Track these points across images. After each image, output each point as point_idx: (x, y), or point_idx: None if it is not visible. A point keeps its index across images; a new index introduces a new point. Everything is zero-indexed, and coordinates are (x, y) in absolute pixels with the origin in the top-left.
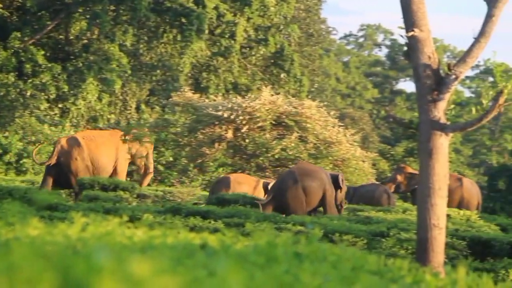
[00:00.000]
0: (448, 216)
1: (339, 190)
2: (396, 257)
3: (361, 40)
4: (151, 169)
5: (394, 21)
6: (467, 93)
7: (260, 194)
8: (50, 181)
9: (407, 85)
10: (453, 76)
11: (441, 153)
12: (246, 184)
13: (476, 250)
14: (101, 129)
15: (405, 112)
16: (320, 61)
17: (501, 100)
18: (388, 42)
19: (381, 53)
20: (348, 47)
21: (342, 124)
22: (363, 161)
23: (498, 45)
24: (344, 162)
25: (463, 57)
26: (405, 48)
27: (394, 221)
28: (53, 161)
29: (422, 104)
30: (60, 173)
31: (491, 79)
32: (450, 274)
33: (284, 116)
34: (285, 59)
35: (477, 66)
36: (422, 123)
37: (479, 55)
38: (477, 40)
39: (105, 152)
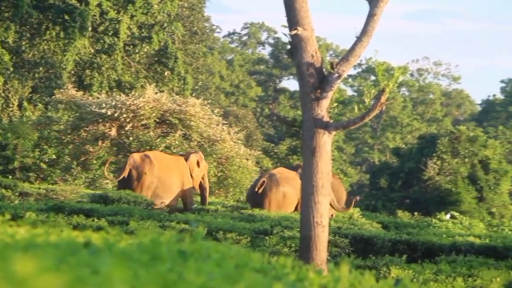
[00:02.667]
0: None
1: None
2: (280, 254)
3: (244, 38)
4: (207, 187)
5: (277, 20)
6: (349, 92)
7: None
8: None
9: (291, 83)
10: (336, 75)
11: (324, 151)
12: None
13: (359, 248)
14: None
15: (289, 110)
16: (204, 59)
17: (383, 99)
18: (271, 41)
19: (265, 52)
20: (232, 45)
21: (226, 122)
22: (247, 159)
23: (380, 44)
24: (228, 160)
25: (346, 55)
26: (289, 47)
27: (278, 219)
28: (126, 174)
29: (306, 102)
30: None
31: (373, 77)
32: (333, 271)
33: (168, 114)
34: (169, 57)
35: (360, 64)
36: (306, 121)
37: (362, 53)
38: (359, 39)
39: (173, 175)
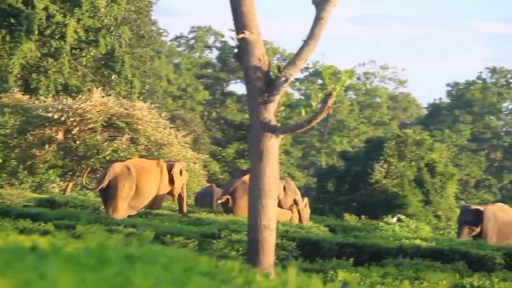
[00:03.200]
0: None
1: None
2: (227, 258)
3: (192, 42)
4: (185, 196)
5: (225, 24)
6: (297, 95)
7: None
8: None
9: (238, 87)
10: (283, 78)
11: (272, 155)
12: None
13: (306, 251)
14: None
15: (236, 114)
16: (151, 63)
17: (330, 102)
18: (218, 44)
19: (212, 55)
20: (179, 49)
21: (173, 126)
22: (194, 163)
23: (327, 47)
24: None
25: (293, 59)
26: (236, 50)
27: (225, 223)
28: (105, 184)
29: (253, 106)
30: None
31: (320, 81)
32: (280, 275)
33: (115, 118)
34: (116, 60)
35: (307, 68)
36: (253, 125)
37: (309, 57)
38: (306, 42)
39: (151, 183)
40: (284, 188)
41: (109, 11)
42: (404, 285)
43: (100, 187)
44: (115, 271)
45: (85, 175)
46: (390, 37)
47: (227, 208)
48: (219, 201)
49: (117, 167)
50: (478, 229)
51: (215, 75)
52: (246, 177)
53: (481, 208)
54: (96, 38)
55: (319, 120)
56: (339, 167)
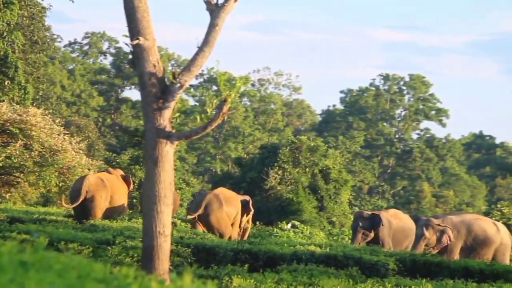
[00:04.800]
0: (174, 224)
1: (245, 214)
2: (122, 264)
3: (86, 48)
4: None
5: (119, 29)
6: (191, 102)
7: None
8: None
9: (133, 93)
10: (178, 85)
11: (167, 161)
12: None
13: (201, 257)
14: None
15: (131, 120)
16: (45, 69)
17: (225, 109)
18: (113, 50)
19: (106, 61)
20: (73, 55)
21: (67, 132)
22: (89, 169)
23: (221, 54)
24: (70, 170)
25: (188, 65)
26: (130, 56)
27: (120, 229)
28: (83, 198)
29: (148, 112)
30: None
31: (215, 87)
32: (175, 281)
33: (8, 124)
34: (9, 66)
35: (201, 74)
36: (148, 131)
37: (203, 63)
38: (201, 49)
39: (120, 195)
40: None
41: (1, 16)
42: None
43: (80, 201)
44: (8, 278)
45: (63, 199)
46: (284, 43)
47: (201, 220)
48: (189, 217)
49: (91, 180)
50: (372, 235)
51: (109, 81)
52: (217, 191)
53: (376, 213)
54: None
55: (214, 126)
56: (234, 173)
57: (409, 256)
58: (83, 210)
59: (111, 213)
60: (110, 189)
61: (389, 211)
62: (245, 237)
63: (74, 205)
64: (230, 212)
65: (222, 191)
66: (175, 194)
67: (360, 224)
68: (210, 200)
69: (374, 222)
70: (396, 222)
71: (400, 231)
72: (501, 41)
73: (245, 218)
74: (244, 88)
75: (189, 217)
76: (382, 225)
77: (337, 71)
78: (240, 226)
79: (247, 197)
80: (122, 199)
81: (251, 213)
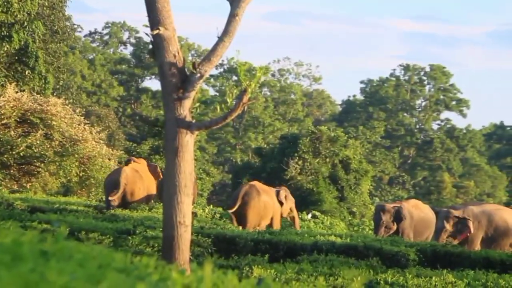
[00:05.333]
0: (194, 214)
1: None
2: (143, 254)
3: (106, 37)
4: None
5: (139, 19)
6: (211, 92)
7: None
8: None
9: (153, 83)
10: (198, 75)
11: (187, 151)
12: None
13: (221, 247)
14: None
15: (151, 110)
16: (65, 59)
17: (245, 99)
18: (133, 40)
19: (127, 51)
20: (94, 45)
21: (87, 122)
22: (109, 159)
23: (241, 44)
24: (90, 159)
25: (208, 55)
26: (151, 47)
27: (141, 219)
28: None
29: (168, 102)
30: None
31: (235, 78)
32: (196, 271)
33: (29, 114)
34: (30, 56)
35: (221, 64)
36: (168, 121)
37: (223, 53)
38: (221, 39)
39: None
40: (286, 196)
41: (22, 6)
42: (319, 281)
43: (120, 192)
44: (29, 268)
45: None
46: (304, 34)
47: (237, 212)
48: (229, 211)
49: (128, 171)
50: (394, 227)
51: (129, 71)
52: (253, 182)
53: (398, 205)
54: (9, 34)
55: (234, 116)
56: (254, 163)
57: (430, 247)
58: (122, 202)
59: (146, 203)
60: (145, 180)
61: (410, 201)
62: (296, 226)
63: (114, 197)
64: (267, 202)
65: (257, 183)
66: (194, 184)
67: (383, 218)
68: (247, 190)
69: (397, 216)
70: (417, 213)
71: (421, 222)
72: None
73: (285, 208)
74: (264, 78)
75: (229, 211)
76: (405, 218)
77: (357, 62)
78: (281, 217)
79: (282, 188)
80: (152, 189)
81: (289, 202)
